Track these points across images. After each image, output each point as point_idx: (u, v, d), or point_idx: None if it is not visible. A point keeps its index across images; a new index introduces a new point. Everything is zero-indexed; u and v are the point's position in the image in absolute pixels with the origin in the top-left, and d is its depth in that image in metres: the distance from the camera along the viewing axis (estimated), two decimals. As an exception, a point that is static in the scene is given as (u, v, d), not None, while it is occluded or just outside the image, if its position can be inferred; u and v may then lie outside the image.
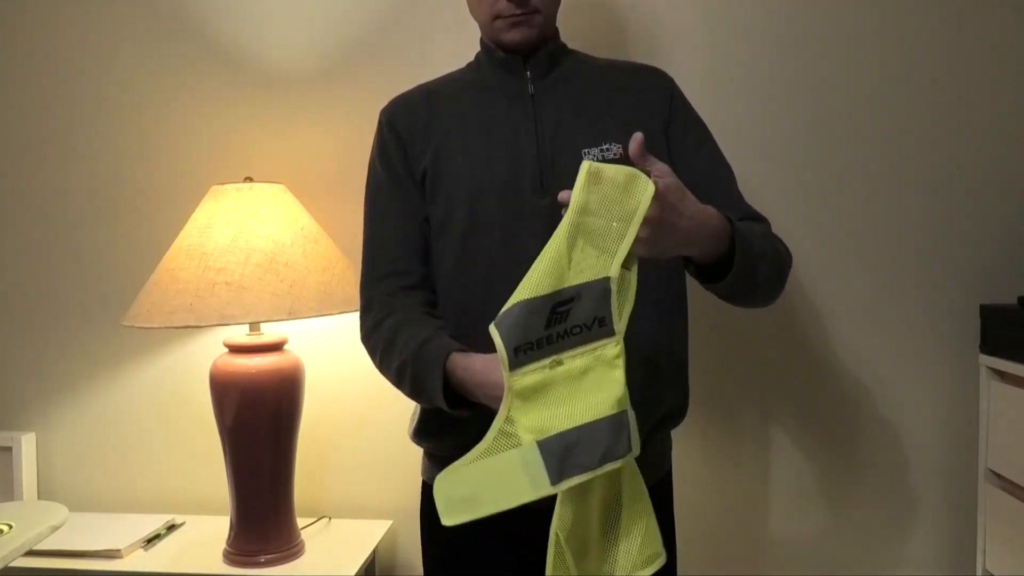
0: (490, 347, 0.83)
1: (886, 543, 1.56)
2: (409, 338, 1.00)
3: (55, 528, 1.16)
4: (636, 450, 0.82)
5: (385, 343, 1.03)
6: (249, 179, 1.48)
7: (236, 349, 1.43)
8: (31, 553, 1.42)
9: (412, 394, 1.01)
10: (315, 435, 1.65)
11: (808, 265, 1.55)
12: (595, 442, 0.79)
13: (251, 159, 1.66)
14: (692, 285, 1.10)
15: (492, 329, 0.80)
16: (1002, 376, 1.41)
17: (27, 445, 1.70)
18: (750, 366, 1.57)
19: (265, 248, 1.38)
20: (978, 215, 1.51)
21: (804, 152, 1.53)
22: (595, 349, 0.82)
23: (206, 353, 1.67)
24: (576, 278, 0.81)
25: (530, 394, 0.81)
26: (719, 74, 1.54)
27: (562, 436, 0.79)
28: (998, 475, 1.41)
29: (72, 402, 1.73)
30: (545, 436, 0.79)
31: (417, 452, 1.17)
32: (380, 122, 1.14)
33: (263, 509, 1.43)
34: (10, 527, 1.13)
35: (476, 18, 1.10)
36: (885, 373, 1.54)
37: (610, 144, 1.04)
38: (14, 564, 1.12)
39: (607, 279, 0.81)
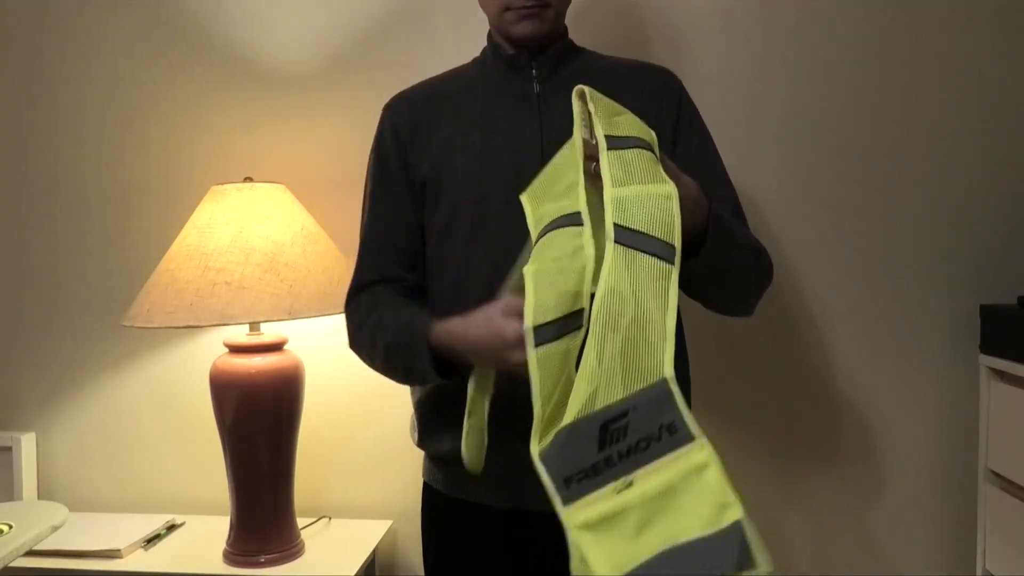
0: None
1: (886, 543, 1.56)
2: (391, 324, 1.00)
3: (55, 528, 1.17)
4: (764, 567, 0.64)
5: (370, 337, 1.03)
6: (249, 179, 1.48)
7: (236, 349, 1.43)
8: (31, 553, 1.42)
9: (404, 377, 1.01)
10: (315, 435, 1.65)
11: (808, 266, 1.55)
12: (696, 562, 0.64)
13: (251, 159, 1.66)
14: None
15: (538, 464, 0.69)
16: (1002, 376, 1.41)
17: (27, 445, 1.70)
18: (750, 367, 1.57)
19: (265, 248, 1.38)
20: (978, 215, 1.51)
21: (804, 152, 1.53)
22: (674, 460, 0.68)
23: (206, 353, 1.67)
24: (607, 394, 0.70)
25: (600, 525, 0.67)
26: (721, 76, 1.54)
27: (648, 566, 0.65)
28: (998, 475, 1.41)
29: (72, 402, 1.73)
30: (628, 571, 0.65)
31: (417, 452, 1.17)
32: (381, 120, 1.12)
33: (263, 509, 1.43)
34: (10, 527, 1.13)
35: (485, 10, 1.08)
36: (885, 373, 1.54)
37: None
38: (14, 564, 1.12)
39: (663, 381, 0.69)
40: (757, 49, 1.53)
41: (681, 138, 1.09)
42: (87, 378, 1.72)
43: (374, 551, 1.53)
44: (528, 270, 0.76)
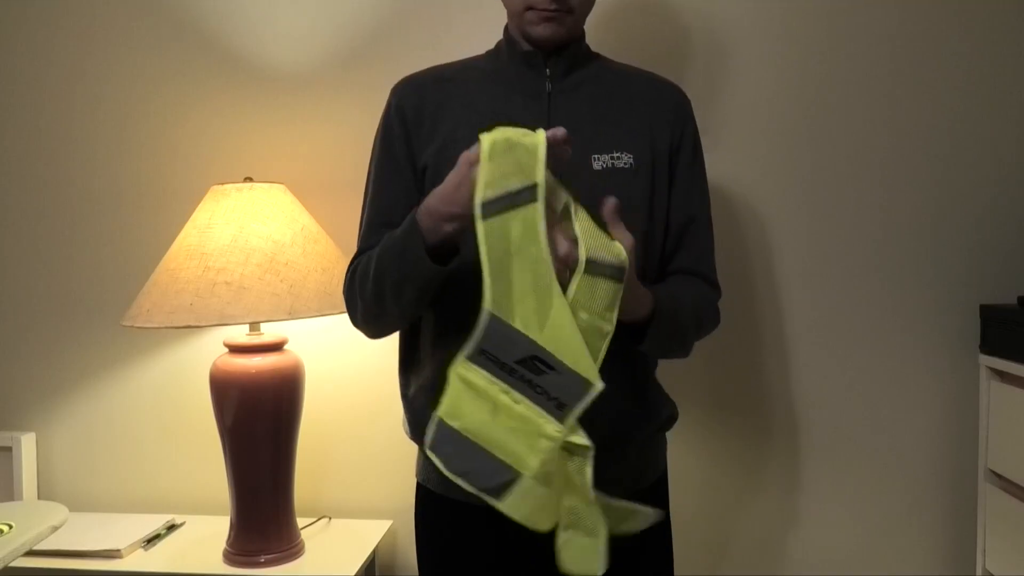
0: None
1: (886, 543, 1.56)
2: (375, 251, 1.00)
3: (55, 528, 1.17)
4: (516, 516, 0.83)
5: (363, 276, 1.01)
6: (249, 179, 1.48)
7: (236, 349, 1.43)
8: (31, 553, 1.42)
9: (398, 281, 0.96)
10: (315, 435, 1.65)
11: (808, 265, 1.55)
12: (477, 466, 0.83)
13: (251, 159, 1.66)
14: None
15: (483, 319, 0.80)
16: (1002, 376, 1.41)
17: (27, 445, 1.70)
18: (748, 367, 1.57)
19: (265, 248, 1.38)
20: (978, 215, 1.51)
21: (805, 152, 1.54)
22: (539, 416, 0.82)
23: (206, 353, 1.67)
24: (552, 340, 0.82)
25: (473, 391, 0.83)
26: (721, 75, 1.54)
27: (459, 435, 0.83)
28: (998, 475, 1.41)
29: (72, 402, 1.73)
30: (448, 422, 0.84)
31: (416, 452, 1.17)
32: (389, 101, 1.12)
33: (263, 509, 1.43)
34: (10, 527, 1.13)
35: (507, 6, 1.09)
36: (885, 373, 1.54)
37: (621, 153, 1.04)
38: (14, 564, 1.12)
39: (591, 385, 0.81)
40: (763, 54, 1.53)
41: (681, 162, 1.11)
42: (87, 378, 1.72)
43: (374, 551, 1.53)
44: (484, 139, 0.81)
